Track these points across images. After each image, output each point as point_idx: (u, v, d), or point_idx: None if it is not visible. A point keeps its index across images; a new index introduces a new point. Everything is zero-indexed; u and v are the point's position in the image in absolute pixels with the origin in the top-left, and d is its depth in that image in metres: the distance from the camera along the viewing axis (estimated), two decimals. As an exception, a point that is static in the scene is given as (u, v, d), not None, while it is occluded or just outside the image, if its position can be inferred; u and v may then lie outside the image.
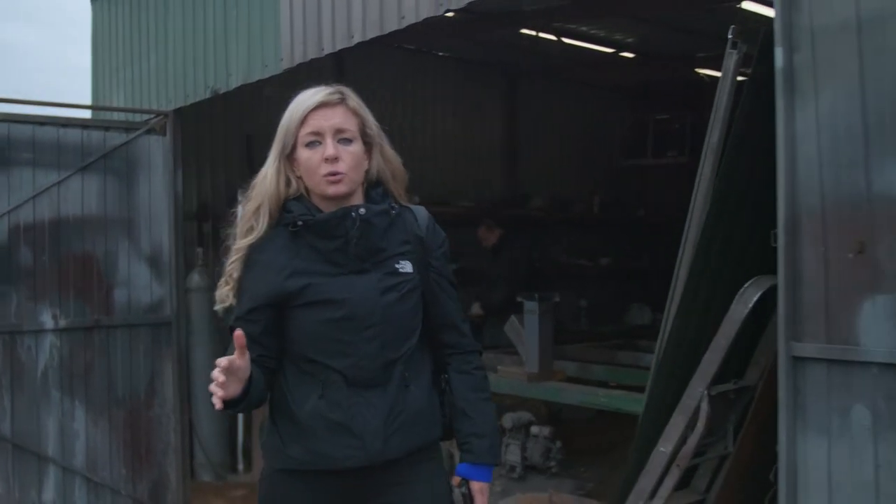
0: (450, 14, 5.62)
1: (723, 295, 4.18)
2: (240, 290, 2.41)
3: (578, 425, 7.43)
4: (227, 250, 2.46)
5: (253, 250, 2.39)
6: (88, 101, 8.21)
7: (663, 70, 9.31)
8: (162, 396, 6.47)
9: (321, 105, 2.36)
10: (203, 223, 8.00)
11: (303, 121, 2.35)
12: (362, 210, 2.38)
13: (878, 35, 3.09)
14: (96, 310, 6.19)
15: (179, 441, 6.54)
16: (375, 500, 2.43)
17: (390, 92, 8.91)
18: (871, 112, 3.11)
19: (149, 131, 6.51)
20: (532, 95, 9.95)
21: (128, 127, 6.55)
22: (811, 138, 3.26)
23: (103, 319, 6.20)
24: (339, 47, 5.33)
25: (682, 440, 4.16)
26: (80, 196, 6.16)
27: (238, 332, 2.13)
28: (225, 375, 2.09)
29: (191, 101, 6.50)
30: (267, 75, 5.82)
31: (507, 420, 6.25)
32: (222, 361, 2.10)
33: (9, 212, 5.82)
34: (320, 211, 2.39)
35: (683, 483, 4.46)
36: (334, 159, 2.34)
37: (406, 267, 2.44)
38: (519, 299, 6.16)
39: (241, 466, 7.78)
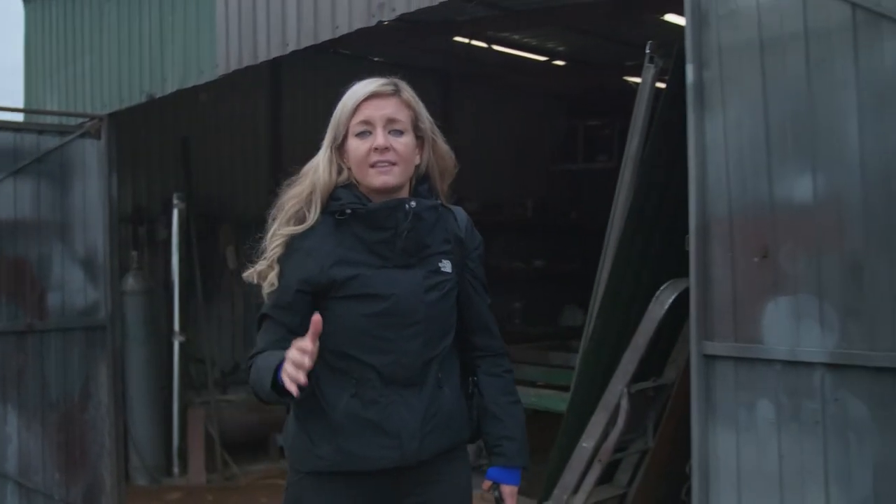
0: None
1: (642, 296, 4.39)
2: (279, 276, 2.32)
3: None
4: (269, 233, 2.37)
5: (295, 236, 2.31)
6: (19, 102, 8.17)
7: (594, 78, 9.55)
8: (96, 399, 6.47)
9: (373, 95, 2.31)
10: (138, 226, 8.00)
11: (354, 110, 2.31)
12: (414, 203, 2.33)
13: (778, 54, 3.31)
14: (30, 313, 6.16)
15: (114, 444, 6.53)
16: (405, 500, 2.38)
17: (325, 97, 8.99)
18: (773, 125, 3.33)
19: (83, 135, 6.51)
20: (466, 101, 10.12)
21: (62, 130, 6.53)
22: (719, 149, 3.47)
23: (37, 323, 6.17)
24: (274, 55, 5.44)
25: (604, 436, 4.36)
26: (13, 200, 6.13)
27: (317, 317, 2.07)
28: (304, 356, 2.02)
29: (126, 105, 6.52)
30: (203, 81, 5.89)
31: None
32: (306, 345, 2.04)
33: (-60, 215, 5.80)
34: (370, 201, 2.33)
35: (607, 477, 4.66)
36: (384, 149, 2.28)
37: (447, 266, 2.39)
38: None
39: (176, 470, 7.78)
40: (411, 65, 9.60)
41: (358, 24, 4.89)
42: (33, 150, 6.22)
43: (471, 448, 2.59)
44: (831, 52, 3.19)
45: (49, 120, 7.11)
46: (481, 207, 9.97)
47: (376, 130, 2.30)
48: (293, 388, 2.01)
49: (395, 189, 2.34)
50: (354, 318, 2.28)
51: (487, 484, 2.49)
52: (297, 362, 2.02)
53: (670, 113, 4.14)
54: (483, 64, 8.92)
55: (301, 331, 2.19)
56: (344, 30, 4.99)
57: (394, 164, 2.30)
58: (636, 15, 6.86)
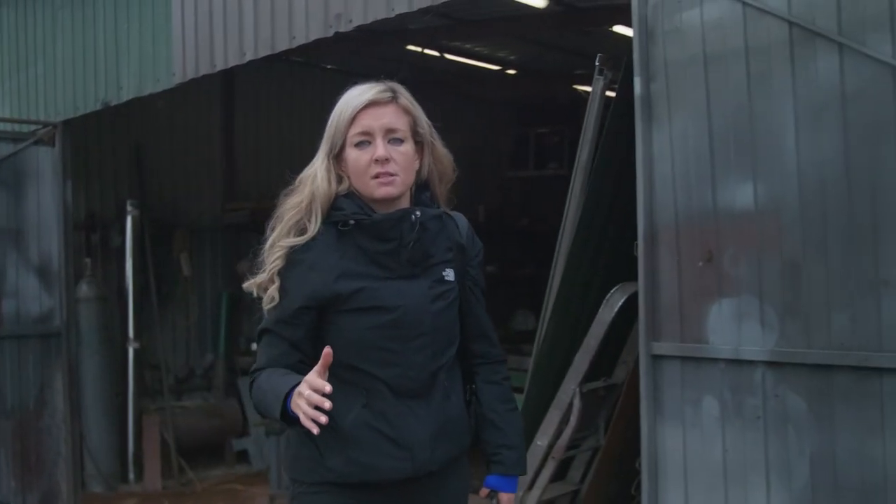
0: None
1: (593, 300, 4.56)
2: (281, 290, 2.25)
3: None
4: (268, 245, 2.30)
5: (296, 249, 2.25)
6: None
7: (544, 86, 9.74)
8: (52, 407, 6.47)
9: (371, 104, 2.24)
10: (91, 233, 7.98)
11: (352, 120, 2.25)
12: (419, 213, 2.29)
13: (720, 69, 3.49)
14: (-16, 321, 6.17)
15: (70, 452, 6.54)
16: None
17: (278, 103, 9.09)
18: (716, 136, 3.51)
19: (37, 142, 6.52)
20: (421, 107, 10.25)
21: (15, 137, 6.54)
22: (666, 159, 3.64)
23: (-9, 331, 6.19)
24: (231, 64, 5.51)
25: (558, 434, 4.51)
26: (-33, 207, 6.14)
27: (328, 350, 2.03)
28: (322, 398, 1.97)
29: (81, 112, 6.52)
30: (159, 89, 5.93)
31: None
32: (321, 385, 1.99)
33: None
34: (373, 211, 2.28)
35: (560, 475, 4.81)
36: (385, 160, 2.23)
37: (450, 275, 2.36)
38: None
39: (131, 476, 7.79)
40: (364, 73, 9.68)
41: (315, 35, 4.99)
42: (-14, 157, 6.22)
43: None
44: (770, 68, 3.37)
45: (1, 127, 7.08)
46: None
47: (376, 141, 2.24)
48: (314, 428, 1.97)
49: (396, 199, 2.29)
50: (360, 332, 2.23)
51: (485, 491, 2.48)
52: (315, 402, 1.97)
53: (619, 124, 4.31)
54: (435, 72, 9.06)
55: (304, 345, 2.24)
56: (301, 40, 5.09)
57: (395, 174, 2.25)
58: (585, 26, 7.04)
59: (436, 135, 2.39)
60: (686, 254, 3.60)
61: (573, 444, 4.63)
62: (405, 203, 2.32)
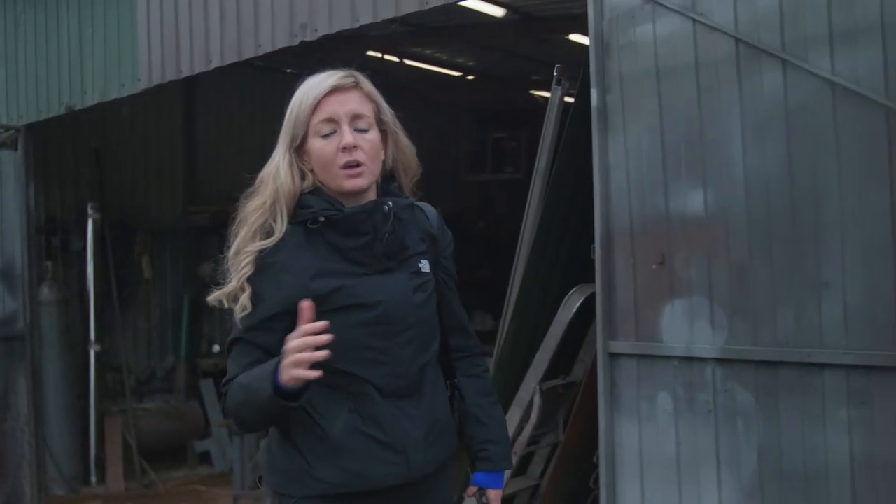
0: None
1: (552, 301, 4.74)
2: (252, 296, 2.12)
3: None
4: (232, 251, 2.18)
5: (265, 252, 2.12)
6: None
7: (502, 91, 9.93)
8: (15, 410, 6.49)
9: (335, 90, 2.13)
10: (51, 236, 7.99)
11: (315, 108, 2.13)
12: (391, 203, 2.18)
13: (672, 82, 3.68)
14: (-53, 325, 6.18)
15: (34, 454, 6.57)
16: None
17: (240, 107, 9.16)
18: (668, 146, 3.69)
19: (0, 146, 6.54)
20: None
21: (-24, 141, 6.56)
22: (621, 167, 3.82)
23: (-46, 334, 6.20)
24: (197, 70, 5.59)
25: (518, 431, 4.67)
26: (-70, 210, 6.15)
27: (305, 303, 1.95)
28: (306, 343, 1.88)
29: (44, 116, 6.55)
30: (125, 94, 6.00)
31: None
32: (311, 327, 1.91)
33: None
34: (343, 205, 2.16)
35: (521, 470, 4.98)
36: (353, 147, 2.12)
37: (426, 266, 2.26)
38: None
39: (93, 479, 7.80)
40: (325, 77, 9.82)
41: (281, 44, 5.11)
42: (-51, 161, 6.23)
43: None
44: (718, 82, 3.56)
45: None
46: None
47: (342, 128, 2.13)
48: (312, 374, 1.88)
49: (366, 191, 2.19)
50: (343, 332, 2.06)
51: (473, 489, 2.40)
52: (309, 343, 1.88)
53: (576, 133, 4.49)
54: (395, 77, 9.19)
55: (278, 352, 2.02)
56: (267, 48, 5.20)
57: (363, 163, 2.14)
58: (542, 35, 7.24)
59: (399, 124, 2.28)
60: (641, 257, 3.79)
61: (533, 441, 4.79)
62: (372, 195, 2.21)
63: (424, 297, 2.24)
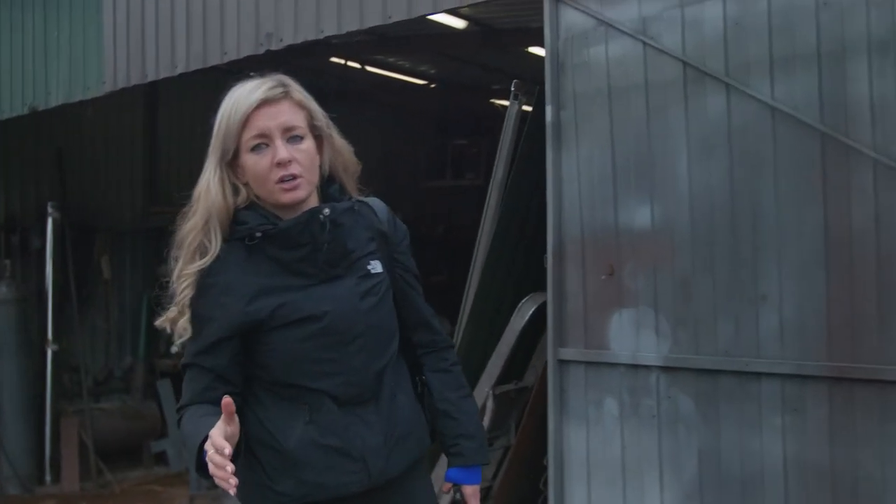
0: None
1: (507, 308, 4.89)
2: (195, 319, 2.08)
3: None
4: (174, 275, 2.12)
5: (204, 273, 2.07)
6: None
7: (462, 99, 10.08)
8: (-28, 409, 6.50)
9: (264, 102, 2.06)
10: (10, 235, 7.99)
11: (244, 122, 2.05)
12: (327, 211, 2.11)
13: (623, 101, 3.85)
14: None
15: (-10, 453, 6.58)
16: None
17: (202, 108, 9.16)
18: (618, 162, 3.87)
19: (-39, 145, 6.55)
20: (340, 118, 10.46)
21: (-62, 140, 6.55)
22: (573, 181, 3.99)
23: (-89, 333, 6.19)
24: (162, 76, 5.67)
25: (472, 434, 4.81)
26: None
27: (227, 400, 1.83)
28: (224, 458, 1.78)
29: (6, 116, 6.57)
30: (89, 97, 6.05)
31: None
32: (222, 445, 1.79)
33: None
34: (279, 218, 2.11)
35: (473, 472, 5.11)
36: (287, 162, 2.05)
37: (377, 267, 2.20)
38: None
39: (48, 478, 7.80)
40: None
41: (246, 52, 5.22)
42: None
43: None
44: (666, 102, 3.74)
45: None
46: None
47: (274, 143, 2.06)
48: (230, 489, 1.79)
49: (304, 201, 2.13)
50: (291, 346, 2.07)
51: (447, 486, 2.35)
52: (218, 464, 1.78)
53: (531, 146, 4.65)
54: (357, 83, 9.31)
55: (230, 374, 2.06)
56: (232, 56, 5.30)
57: (299, 175, 2.07)
58: (503, 46, 7.39)
59: (332, 125, 2.21)
60: (590, 268, 3.95)
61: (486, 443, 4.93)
62: (313, 202, 2.15)
63: (375, 301, 2.18)
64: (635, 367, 3.84)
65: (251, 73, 2.19)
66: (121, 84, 5.84)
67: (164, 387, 8.54)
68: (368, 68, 8.86)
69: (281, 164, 2.06)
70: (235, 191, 2.12)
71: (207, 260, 2.08)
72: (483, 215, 4.93)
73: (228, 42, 5.29)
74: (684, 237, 3.68)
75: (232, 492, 1.80)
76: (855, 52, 3.31)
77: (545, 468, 4.41)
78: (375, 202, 2.32)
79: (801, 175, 3.42)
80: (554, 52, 4.03)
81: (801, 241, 3.41)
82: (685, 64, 3.69)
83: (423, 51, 8.19)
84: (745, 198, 3.55)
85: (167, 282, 2.15)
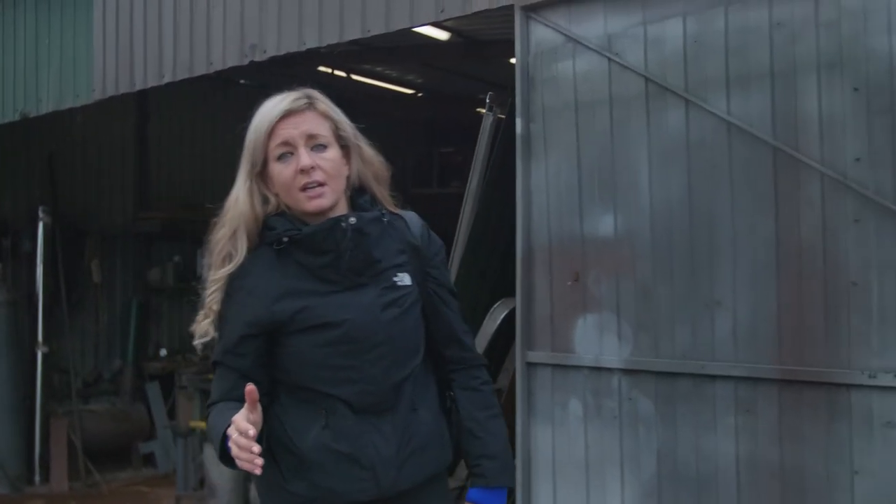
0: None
1: (481, 312, 5.04)
2: (223, 320, 2.16)
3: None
4: (204, 282, 2.21)
5: (234, 276, 2.15)
6: None
7: (448, 108, 10.25)
8: (-37, 409, 6.62)
9: (288, 113, 2.13)
10: (2, 238, 8.13)
11: (270, 133, 2.13)
12: (352, 219, 2.14)
13: (589, 115, 4.02)
14: None
15: (-21, 453, 6.70)
16: None
17: (192, 115, 9.36)
18: (584, 173, 4.03)
19: (-47, 150, 6.69)
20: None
21: (-69, 145, 6.69)
22: (542, 191, 4.15)
23: None
24: (150, 84, 5.83)
25: (446, 434, 4.95)
26: None
27: (250, 388, 1.91)
28: (249, 440, 1.86)
29: (-1, 122, 6.73)
30: (79, 104, 6.21)
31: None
32: (245, 427, 1.87)
33: None
34: (306, 225, 2.16)
35: (449, 472, 5.25)
36: (310, 169, 2.11)
37: (405, 279, 2.21)
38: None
39: (37, 479, 7.92)
40: (276, 90, 10.04)
41: (231, 63, 5.38)
42: None
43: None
44: (629, 116, 3.90)
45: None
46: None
47: (298, 150, 2.12)
48: (256, 469, 1.87)
49: (330, 208, 2.17)
50: (310, 351, 2.13)
51: None
52: (242, 446, 1.86)
53: (505, 156, 4.81)
54: (346, 91, 9.47)
55: (255, 374, 2.10)
56: (218, 66, 5.46)
57: (323, 183, 2.13)
58: (485, 57, 7.55)
59: (360, 136, 2.26)
60: (557, 274, 4.11)
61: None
62: (341, 210, 2.19)
63: (398, 312, 2.19)
64: (598, 369, 3.99)
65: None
66: (110, 92, 6.00)
67: (153, 389, 8.69)
68: (355, 77, 9.02)
69: (304, 171, 2.11)
70: (265, 200, 2.19)
71: (233, 266, 2.16)
72: (458, 223, 5.09)
73: (214, 52, 5.44)
74: (645, 245, 3.84)
75: (257, 472, 1.87)
76: (805, 70, 3.47)
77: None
78: (410, 216, 2.34)
79: (754, 187, 3.58)
80: (524, 67, 4.20)
81: (754, 249, 3.57)
82: (647, 79, 3.85)
83: (408, 61, 8.35)
84: (701, 208, 3.71)
85: (203, 289, 2.22)
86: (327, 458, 2.14)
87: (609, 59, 3.95)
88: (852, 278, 3.36)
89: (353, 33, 4.83)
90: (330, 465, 2.14)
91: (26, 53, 6.54)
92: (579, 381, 4.05)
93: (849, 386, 3.35)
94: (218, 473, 6.72)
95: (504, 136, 4.86)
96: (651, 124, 3.85)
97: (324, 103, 2.20)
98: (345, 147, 2.20)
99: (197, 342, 2.20)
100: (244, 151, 2.19)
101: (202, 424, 7.21)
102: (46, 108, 6.40)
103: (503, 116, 5.11)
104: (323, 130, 2.15)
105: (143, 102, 9.06)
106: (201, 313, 2.19)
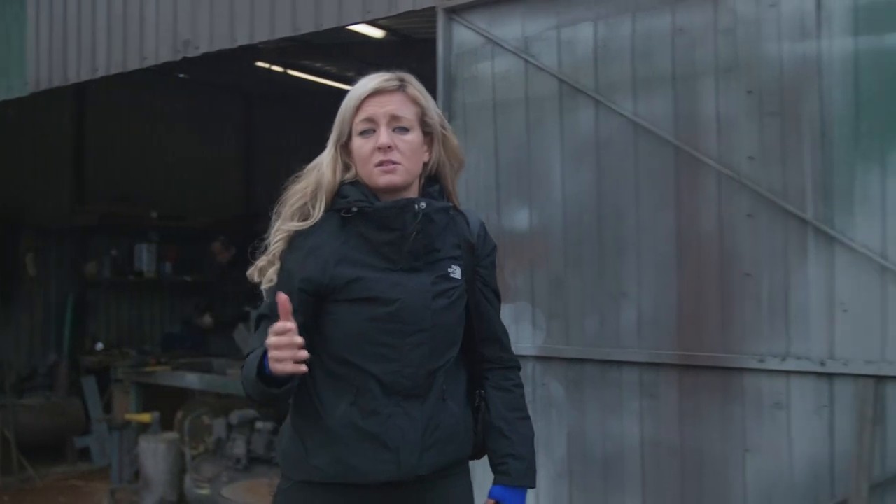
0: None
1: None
2: (280, 273, 2.21)
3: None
4: (272, 229, 2.26)
5: (298, 233, 2.21)
6: None
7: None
8: None
9: (376, 92, 2.19)
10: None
11: (357, 108, 2.19)
12: (423, 204, 2.18)
13: (506, 114, 4.20)
14: None
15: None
16: None
17: (129, 108, 9.37)
18: (502, 170, 4.21)
19: None
20: (267, 119, 10.70)
21: None
22: (462, 187, 4.28)
23: None
24: (84, 78, 5.89)
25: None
26: None
27: (283, 297, 1.93)
28: (289, 335, 1.90)
29: (-71, 114, 6.72)
30: (13, 97, 6.24)
31: (234, 417, 6.95)
32: (284, 327, 1.91)
33: None
34: (377, 199, 2.20)
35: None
36: (387, 148, 2.16)
37: (456, 273, 2.25)
38: (247, 309, 6.92)
39: None
40: (215, 83, 10.12)
41: (165, 58, 5.47)
42: None
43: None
44: (544, 115, 4.10)
45: None
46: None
47: (380, 129, 2.17)
48: (299, 368, 1.92)
49: (402, 188, 2.21)
50: (356, 323, 2.16)
51: (490, 502, 2.34)
52: (284, 343, 1.90)
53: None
54: (285, 85, 9.55)
55: (301, 333, 2.02)
56: (151, 62, 5.54)
57: (398, 162, 2.17)
58: (420, 55, 7.70)
59: (448, 126, 2.32)
60: (477, 266, 4.28)
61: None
62: (412, 194, 2.23)
63: (447, 303, 2.23)
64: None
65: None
66: (43, 85, 6.04)
67: (88, 383, 8.70)
68: (292, 72, 9.11)
69: (381, 149, 2.16)
70: (346, 169, 2.25)
71: (306, 224, 2.20)
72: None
73: (147, 48, 5.53)
74: (557, 239, 4.03)
75: (303, 368, 1.91)
76: (704, 74, 3.69)
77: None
78: (471, 214, 2.39)
79: (657, 183, 3.80)
80: (447, 66, 4.37)
81: (657, 243, 3.79)
82: (561, 81, 4.04)
83: (346, 58, 8.47)
84: (609, 203, 3.91)
85: (264, 237, 2.27)
86: (353, 435, 2.16)
87: (526, 60, 4.14)
88: (745, 270, 3.59)
89: (284, 31, 4.96)
90: (355, 442, 2.16)
91: (-42, 46, 6.55)
92: (496, 369, 4.22)
93: (741, 370, 3.59)
94: (153, 466, 6.81)
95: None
96: (564, 123, 4.04)
97: (415, 88, 2.24)
98: (428, 134, 2.25)
99: (264, 287, 2.23)
100: (335, 121, 2.26)
101: (138, 417, 7.29)
102: (-22, 100, 6.42)
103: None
104: (408, 114, 2.20)
105: (80, 95, 9.05)
106: (265, 259, 2.24)
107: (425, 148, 2.25)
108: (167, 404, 7.35)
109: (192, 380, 7.18)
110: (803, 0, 3.48)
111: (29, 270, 8.61)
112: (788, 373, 3.50)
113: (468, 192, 4.29)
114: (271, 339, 1.92)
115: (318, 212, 2.20)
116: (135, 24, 5.58)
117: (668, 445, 3.77)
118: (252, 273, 2.26)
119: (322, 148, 2.31)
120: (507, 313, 4.16)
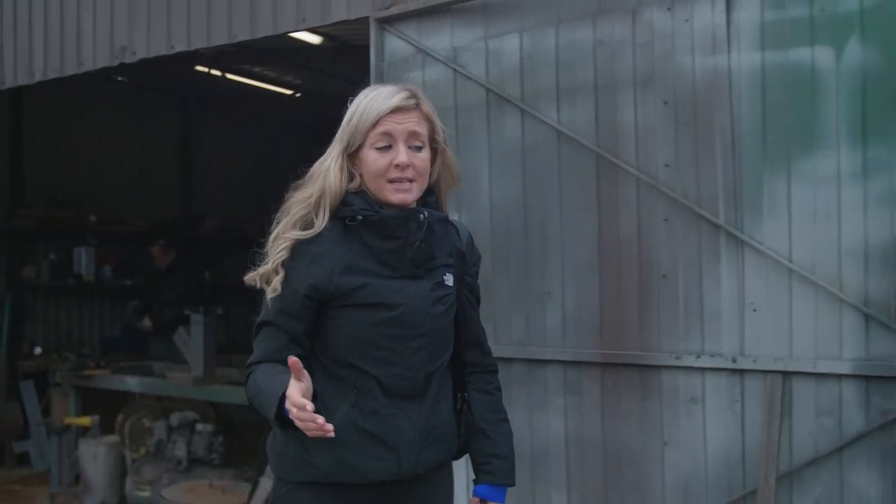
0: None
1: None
2: (283, 282, 2.23)
3: (251, 429, 8.24)
4: (272, 235, 2.28)
5: (301, 241, 2.23)
6: None
7: (326, 108, 10.41)
8: None
9: (397, 109, 2.23)
10: None
11: (375, 123, 2.22)
12: (426, 213, 2.28)
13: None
14: None
15: None
16: None
17: (69, 111, 9.32)
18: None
19: None
20: (207, 123, 10.68)
21: None
22: (394, 191, 4.44)
23: None
24: (21, 83, 5.90)
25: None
26: None
27: (292, 360, 1.98)
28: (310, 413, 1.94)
29: None
30: (-53, 101, 6.22)
31: (174, 419, 6.97)
32: (302, 403, 1.93)
33: None
34: (382, 208, 2.26)
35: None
36: (406, 166, 2.22)
37: (450, 280, 2.35)
38: (187, 312, 6.95)
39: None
40: (154, 87, 10.10)
41: (102, 64, 5.50)
42: None
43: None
44: (472, 123, 4.24)
45: None
46: (223, 222, 10.57)
47: (398, 146, 2.23)
48: (329, 433, 1.96)
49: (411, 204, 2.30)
50: (360, 328, 2.23)
51: (475, 501, 2.45)
52: (307, 419, 1.94)
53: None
54: (225, 89, 9.57)
55: (303, 340, 2.22)
56: (88, 67, 5.58)
57: (412, 180, 2.25)
58: (357, 60, 7.80)
59: (448, 143, 2.39)
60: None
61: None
62: (412, 204, 2.29)
63: (443, 309, 2.32)
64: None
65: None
66: (-21, 90, 6.03)
67: (27, 388, 8.62)
68: (231, 76, 9.14)
69: (399, 167, 2.22)
70: (351, 178, 2.28)
71: (310, 233, 2.23)
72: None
73: (85, 53, 5.56)
74: (485, 242, 4.16)
75: (331, 435, 1.96)
76: (623, 85, 3.87)
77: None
78: (461, 225, 2.51)
79: (580, 189, 3.97)
80: (379, 74, 4.48)
81: (580, 246, 3.96)
82: (488, 90, 4.19)
83: (286, 62, 8.54)
84: (535, 208, 4.07)
85: (264, 241, 2.30)
86: (355, 436, 2.22)
87: (454, 69, 4.28)
88: (663, 272, 3.78)
89: (221, 38, 5.04)
90: (356, 442, 2.22)
91: None
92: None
93: (659, 367, 3.77)
94: (93, 469, 6.81)
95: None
96: (491, 131, 4.19)
97: (427, 105, 2.32)
98: (434, 150, 2.33)
99: (269, 296, 2.24)
100: (342, 129, 2.30)
101: (78, 421, 7.27)
102: (-88, 104, 6.37)
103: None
104: (423, 131, 2.27)
105: (17, 98, 8.97)
106: (268, 266, 2.25)
107: (431, 164, 2.34)
108: (107, 408, 7.34)
109: (132, 383, 7.18)
110: (714, 15, 3.67)
111: (-33, 275, 8.52)
112: (703, 369, 3.70)
113: (400, 198, 4.42)
114: (294, 412, 1.97)
115: (322, 221, 2.24)
116: (72, 29, 5.60)
117: (592, 440, 3.94)
118: (252, 279, 2.28)
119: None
120: (438, 315, 4.35)
